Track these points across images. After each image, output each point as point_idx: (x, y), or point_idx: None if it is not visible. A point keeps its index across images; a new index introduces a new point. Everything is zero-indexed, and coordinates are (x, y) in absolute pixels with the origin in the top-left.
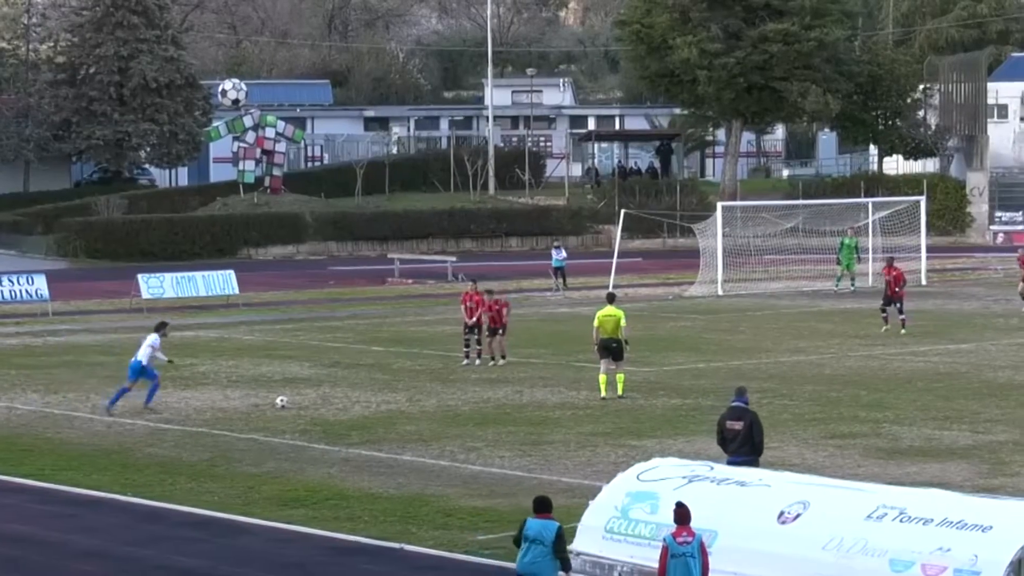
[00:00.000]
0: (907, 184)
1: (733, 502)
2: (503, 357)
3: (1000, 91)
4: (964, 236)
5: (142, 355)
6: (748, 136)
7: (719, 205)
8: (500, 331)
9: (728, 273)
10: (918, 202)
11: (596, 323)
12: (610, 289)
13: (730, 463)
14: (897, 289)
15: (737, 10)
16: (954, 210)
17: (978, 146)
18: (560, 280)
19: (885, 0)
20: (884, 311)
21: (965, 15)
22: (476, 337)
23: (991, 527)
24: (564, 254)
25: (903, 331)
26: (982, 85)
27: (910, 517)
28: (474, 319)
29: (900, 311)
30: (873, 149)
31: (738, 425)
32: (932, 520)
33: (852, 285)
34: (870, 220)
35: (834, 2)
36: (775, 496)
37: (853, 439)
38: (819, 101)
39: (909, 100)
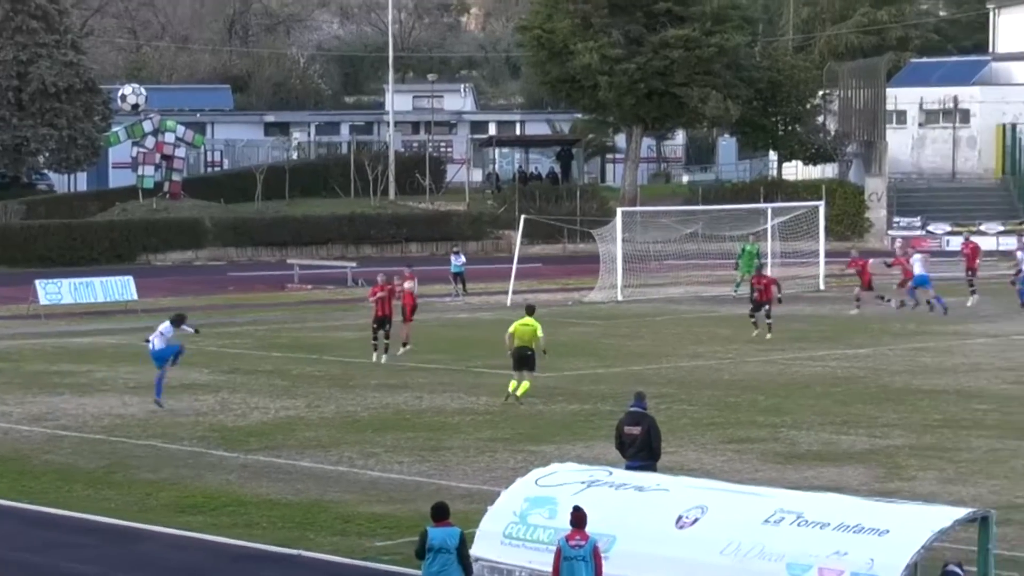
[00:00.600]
0: (806, 189)
1: (631, 507)
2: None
3: (899, 97)
4: (863, 241)
5: (157, 343)
6: (648, 141)
7: (619, 210)
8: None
9: (628, 278)
10: (817, 207)
11: (512, 331)
12: (529, 301)
13: (628, 468)
14: (769, 295)
15: (638, 16)
16: (853, 215)
17: (877, 152)
18: (459, 286)
19: (785, 6)
20: (753, 316)
21: (865, 21)
22: (385, 331)
23: (888, 531)
24: (463, 259)
25: (769, 336)
26: (881, 91)
27: (807, 521)
28: (385, 312)
29: (768, 316)
30: (773, 155)
31: (636, 430)
32: (829, 524)
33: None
34: (769, 225)
35: (735, 8)
36: (673, 501)
37: (751, 444)
38: (719, 107)
39: (809, 106)
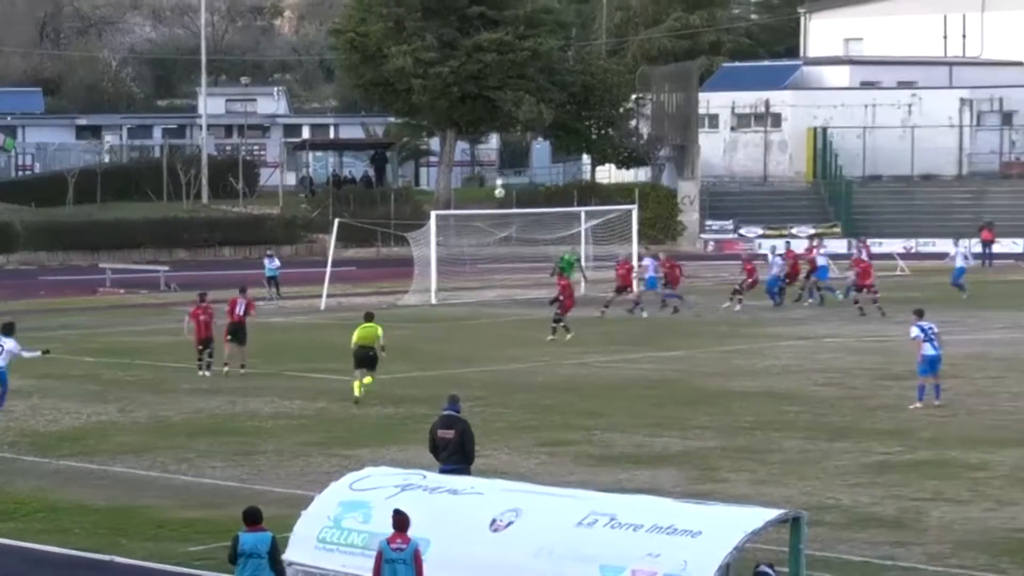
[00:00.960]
0: (620, 193)
1: (446, 510)
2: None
3: (711, 101)
4: (676, 244)
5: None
6: (463, 145)
7: (433, 214)
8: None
9: (442, 282)
10: (630, 211)
11: (355, 338)
12: (368, 309)
13: (442, 471)
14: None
15: (452, 20)
16: (666, 219)
17: (689, 155)
18: (274, 289)
19: (599, 10)
20: (558, 320)
21: (678, 26)
22: (210, 350)
23: (700, 532)
24: (277, 263)
25: (569, 336)
26: (693, 95)
27: (621, 523)
28: (206, 334)
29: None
30: (586, 158)
31: (450, 434)
32: (643, 526)
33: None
34: (583, 228)
35: (548, 12)
36: (487, 504)
37: (565, 446)
38: (533, 110)
39: (622, 110)
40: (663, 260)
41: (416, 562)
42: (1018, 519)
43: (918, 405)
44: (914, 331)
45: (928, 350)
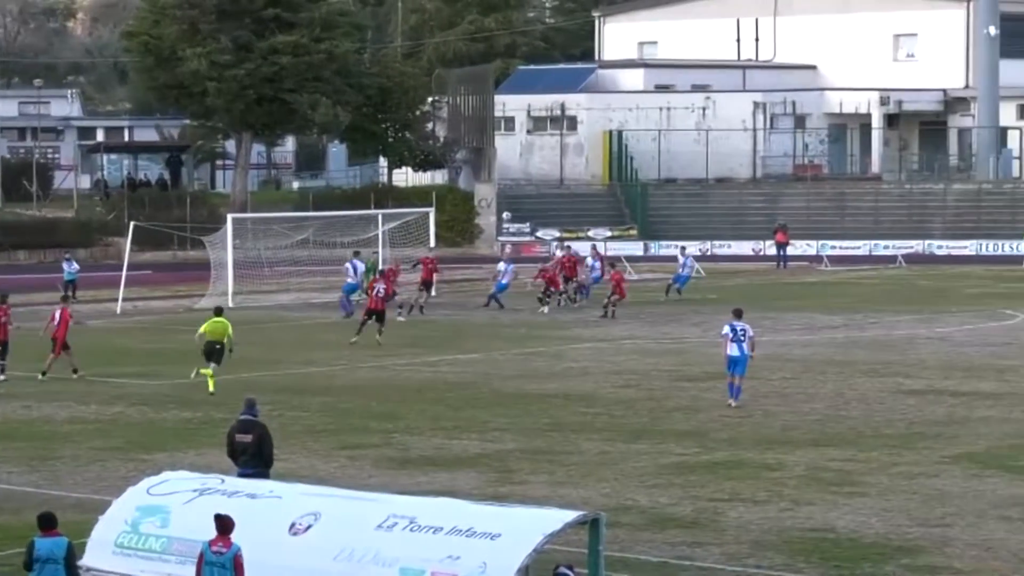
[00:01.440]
0: (416, 195)
1: (244, 514)
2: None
3: (507, 104)
4: (473, 247)
5: None
6: (259, 148)
7: (229, 217)
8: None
9: (239, 285)
10: (427, 213)
11: (203, 330)
12: (216, 305)
13: (241, 475)
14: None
15: (247, 22)
16: (463, 221)
17: (486, 158)
18: (71, 293)
19: (394, 13)
20: (365, 322)
21: (473, 29)
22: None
23: (500, 535)
24: (76, 267)
25: (379, 339)
26: (489, 98)
27: (420, 526)
28: (3, 337)
29: (382, 321)
30: (383, 161)
31: (248, 438)
32: (442, 529)
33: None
34: (380, 231)
35: (343, 15)
36: (286, 508)
37: (364, 449)
38: (329, 113)
39: (418, 112)
40: (565, 257)
41: (236, 566)
42: (814, 519)
43: (732, 403)
44: (725, 329)
45: (732, 350)
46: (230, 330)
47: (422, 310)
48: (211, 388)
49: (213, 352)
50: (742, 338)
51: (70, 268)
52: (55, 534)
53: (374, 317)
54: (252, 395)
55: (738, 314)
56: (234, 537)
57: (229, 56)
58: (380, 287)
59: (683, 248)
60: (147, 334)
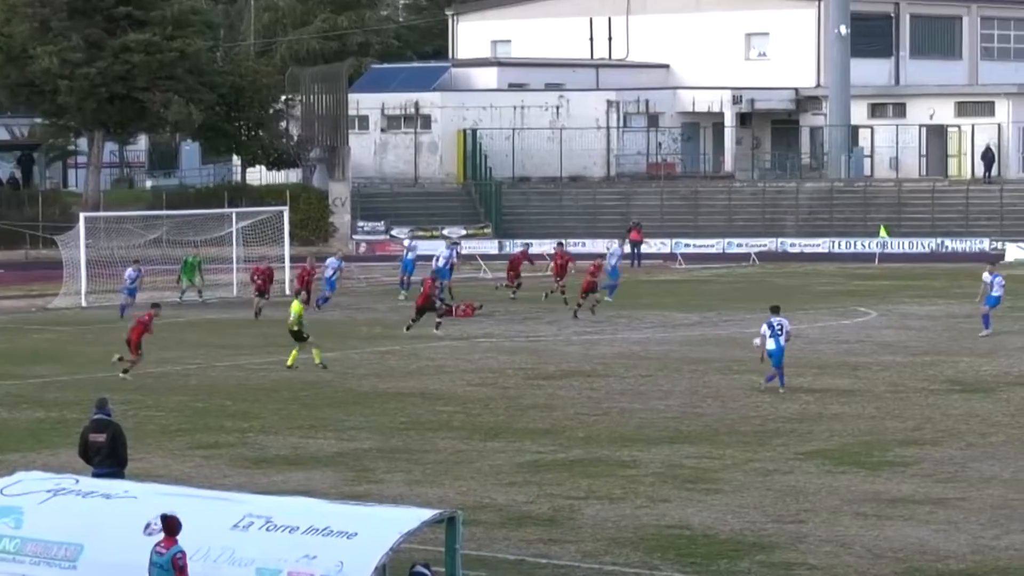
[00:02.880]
0: (270, 194)
1: (99, 515)
2: None
3: (361, 102)
4: (327, 246)
5: None
6: (111, 146)
7: (82, 216)
8: None
9: (93, 284)
10: (281, 212)
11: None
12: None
13: (95, 476)
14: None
15: (98, 20)
16: (317, 220)
17: (340, 157)
18: None
19: (247, 11)
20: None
21: (326, 27)
22: None
23: (356, 534)
24: None
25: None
26: (343, 96)
27: (276, 526)
28: None
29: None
30: (237, 160)
31: (101, 438)
32: (299, 528)
33: (201, 296)
34: (234, 230)
35: (196, 13)
36: (141, 508)
37: (219, 449)
38: (182, 111)
39: (272, 111)
40: (558, 252)
41: (174, 568)
42: (669, 516)
43: (781, 389)
44: (763, 328)
45: (770, 344)
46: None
47: (566, 301)
48: (317, 360)
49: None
50: (779, 332)
51: None
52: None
53: (423, 311)
54: (104, 394)
55: (775, 310)
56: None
57: (81, 54)
58: (442, 282)
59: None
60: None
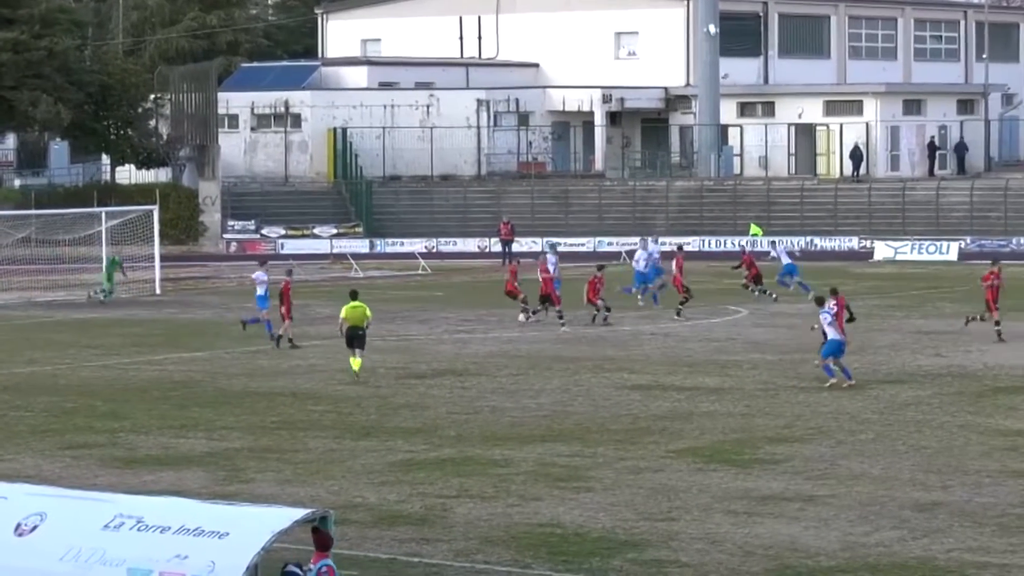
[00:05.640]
0: (140, 193)
1: None
2: None
3: (231, 101)
4: (198, 245)
5: None
6: None
7: None
8: None
9: None
10: (151, 211)
11: (343, 315)
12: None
13: None
14: None
15: None
16: (187, 219)
17: (210, 155)
18: None
19: (115, 10)
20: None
21: (195, 26)
22: None
23: (228, 533)
24: None
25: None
26: (213, 95)
27: (148, 526)
28: None
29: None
30: (106, 158)
31: None
32: (170, 528)
33: (106, 295)
34: (103, 229)
35: (63, 12)
36: (11, 508)
37: (90, 449)
38: (50, 110)
39: (141, 110)
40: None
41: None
42: (541, 514)
43: (833, 381)
44: (823, 316)
45: (832, 334)
46: (368, 312)
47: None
48: (356, 369)
49: (355, 338)
50: (835, 321)
51: None
52: None
53: (548, 301)
54: None
55: (820, 302)
56: None
57: None
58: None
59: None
60: None
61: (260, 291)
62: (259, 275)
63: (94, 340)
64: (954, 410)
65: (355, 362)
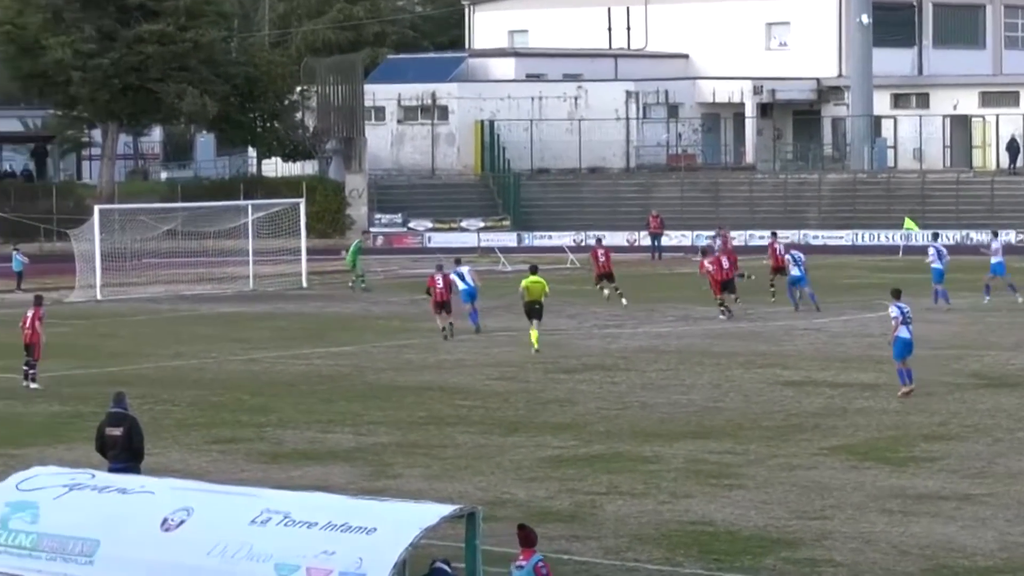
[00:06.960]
0: (286, 186)
1: (115, 510)
2: None
3: (377, 93)
4: (344, 239)
5: None
6: (125, 138)
7: (96, 208)
8: None
9: (107, 277)
10: (297, 204)
11: (523, 287)
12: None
13: (112, 470)
14: None
15: (111, 10)
16: (334, 212)
17: (356, 148)
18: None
19: (261, 1)
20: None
21: (341, 17)
22: None
23: (375, 529)
24: (26, 259)
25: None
26: (359, 87)
27: (295, 521)
28: None
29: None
30: (252, 151)
31: (117, 431)
32: (317, 524)
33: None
34: (249, 221)
35: (209, 3)
36: (158, 503)
37: (236, 443)
38: (196, 103)
39: (287, 102)
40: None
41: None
42: (692, 511)
43: (904, 389)
44: (893, 311)
45: (904, 333)
46: (546, 287)
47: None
48: (535, 346)
49: (533, 311)
50: (910, 319)
51: (21, 258)
52: None
53: (605, 279)
54: (121, 388)
55: (897, 294)
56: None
57: (93, 45)
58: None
59: (995, 233)
60: (13, 328)
61: (462, 285)
62: (457, 271)
63: (241, 334)
64: None
65: (533, 333)
